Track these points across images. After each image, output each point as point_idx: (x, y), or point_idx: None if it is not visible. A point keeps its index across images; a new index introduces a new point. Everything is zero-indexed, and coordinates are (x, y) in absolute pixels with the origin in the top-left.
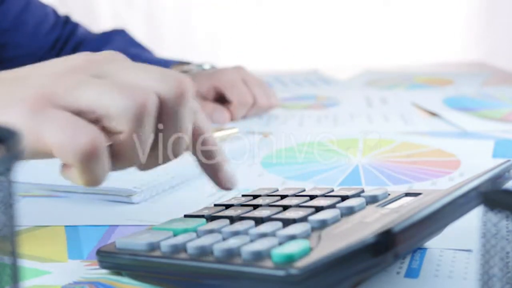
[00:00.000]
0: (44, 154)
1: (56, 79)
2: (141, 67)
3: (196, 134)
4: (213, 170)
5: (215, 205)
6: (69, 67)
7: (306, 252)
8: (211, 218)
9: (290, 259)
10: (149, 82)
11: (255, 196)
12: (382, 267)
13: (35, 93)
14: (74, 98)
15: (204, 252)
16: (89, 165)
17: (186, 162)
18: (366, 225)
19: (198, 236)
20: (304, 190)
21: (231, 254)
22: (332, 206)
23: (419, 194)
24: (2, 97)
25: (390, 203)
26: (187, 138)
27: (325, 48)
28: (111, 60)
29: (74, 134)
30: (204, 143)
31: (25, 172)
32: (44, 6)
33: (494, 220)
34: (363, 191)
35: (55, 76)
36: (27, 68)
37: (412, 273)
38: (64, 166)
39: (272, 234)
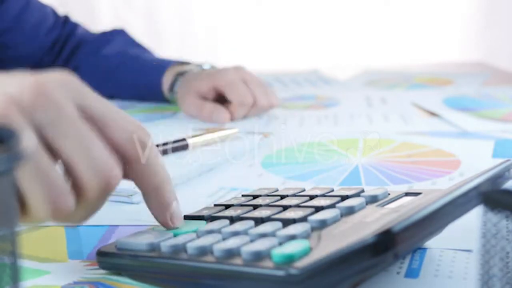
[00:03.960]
0: None
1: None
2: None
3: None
4: (159, 208)
5: (215, 205)
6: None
7: (306, 252)
8: (211, 218)
9: (290, 259)
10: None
11: (255, 196)
12: (382, 267)
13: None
14: (52, 133)
15: (204, 252)
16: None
17: (186, 163)
18: (366, 225)
19: (198, 237)
20: (304, 190)
21: (231, 254)
22: (332, 206)
23: (419, 194)
24: None
25: (390, 203)
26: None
27: (325, 48)
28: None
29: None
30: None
31: None
32: (44, 6)
33: (494, 220)
34: (363, 191)
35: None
36: None
37: (412, 273)
38: None
39: (272, 234)
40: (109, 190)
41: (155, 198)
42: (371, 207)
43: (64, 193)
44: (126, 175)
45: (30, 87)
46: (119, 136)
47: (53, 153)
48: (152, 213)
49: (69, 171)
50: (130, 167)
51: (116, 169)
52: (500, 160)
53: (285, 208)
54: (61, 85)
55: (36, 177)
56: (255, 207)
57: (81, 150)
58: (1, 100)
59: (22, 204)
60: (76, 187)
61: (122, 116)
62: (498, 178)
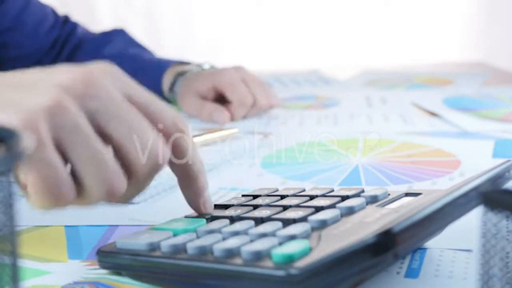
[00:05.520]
0: None
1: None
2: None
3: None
4: (193, 195)
5: (215, 205)
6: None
7: (306, 252)
8: (211, 218)
9: (290, 259)
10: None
11: (255, 196)
12: (382, 267)
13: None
14: (104, 119)
15: (204, 252)
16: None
17: None
18: (366, 225)
19: (198, 236)
20: (304, 190)
21: (231, 254)
22: (332, 206)
23: (419, 194)
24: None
25: (390, 203)
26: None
27: (325, 48)
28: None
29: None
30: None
31: None
32: (44, 6)
33: (494, 220)
34: (363, 191)
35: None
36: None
37: (412, 273)
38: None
39: (272, 234)
40: (158, 169)
41: (191, 185)
42: (371, 207)
43: (118, 174)
44: None
45: (80, 77)
46: (163, 122)
47: (105, 138)
48: (186, 199)
49: (120, 154)
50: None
51: (165, 149)
52: (500, 160)
53: (285, 208)
54: (108, 74)
55: (92, 161)
56: (255, 207)
57: (132, 132)
58: (55, 91)
59: (78, 187)
60: (127, 169)
61: (163, 105)
62: (498, 178)
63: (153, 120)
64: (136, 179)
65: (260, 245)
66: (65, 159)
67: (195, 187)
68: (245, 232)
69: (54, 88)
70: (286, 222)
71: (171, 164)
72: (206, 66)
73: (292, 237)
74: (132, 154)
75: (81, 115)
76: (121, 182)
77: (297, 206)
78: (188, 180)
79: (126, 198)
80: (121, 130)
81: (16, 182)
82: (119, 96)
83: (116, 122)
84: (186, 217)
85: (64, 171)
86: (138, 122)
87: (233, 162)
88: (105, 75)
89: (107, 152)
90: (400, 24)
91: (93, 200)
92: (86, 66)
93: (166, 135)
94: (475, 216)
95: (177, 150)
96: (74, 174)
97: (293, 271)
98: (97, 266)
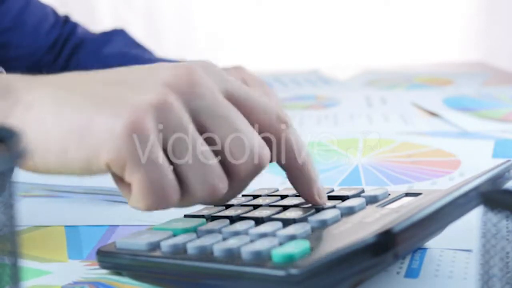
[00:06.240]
0: (95, 170)
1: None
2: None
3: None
4: (306, 187)
5: (215, 205)
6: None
7: (306, 252)
8: (211, 218)
9: (290, 259)
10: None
11: (255, 196)
12: (382, 267)
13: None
14: (207, 118)
15: (204, 252)
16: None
17: None
18: (366, 225)
19: (198, 236)
20: None
21: (231, 254)
22: (332, 206)
23: (419, 194)
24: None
25: (390, 203)
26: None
27: (325, 48)
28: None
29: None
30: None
31: (25, 172)
32: (44, 6)
33: (494, 220)
34: (363, 191)
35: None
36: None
37: (412, 273)
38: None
39: (272, 234)
40: (260, 169)
41: (302, 175)
42: (371, 208)
43: (221, 176)
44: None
45: (184, 75)
46: (264, 117)
47: (207, 138)
48: (299, 191)
49: (223, 155)
50: (276, 148)
51: (266, 148)
52: (500, 160)
53: (285, 208)
54: (209, 71)
55: (197, 162)
56: (255, 207)
57: (235, 132)
58: (161, 88)
59: (181, 188)
60: (229, 169)
61: (263, 99)
62: (498, 178)
63: (255, 115)
64: (237, 180)
65: (260, 245)
66: (169, 159)
67: (307, 176)
68: (245, 232)
69: (160, 86)
70: (286, 222)
71: (278, 161)
72: None
73: (292, 237)
74: (234, 155)
75: (185, 113)
76: (224, 184)
77: (297, 206)
78: (299, 170)
79: (226, 199)
80: (224, 130)
81: (115, 181)
82: (221, 95)
83: (219, 122)
84: (186, 217)
85: (170, 172)
86: (240, 122)
87: None
88: (207, 72)
89: (212, 155)
90: (400, 24)
91: (195, 202)
92: (187, 63)
93: (270, 131)
94: (475, 216)
95: (283, 146)
96: (178, 175)
97: (293, 271)
98: (97, 266)
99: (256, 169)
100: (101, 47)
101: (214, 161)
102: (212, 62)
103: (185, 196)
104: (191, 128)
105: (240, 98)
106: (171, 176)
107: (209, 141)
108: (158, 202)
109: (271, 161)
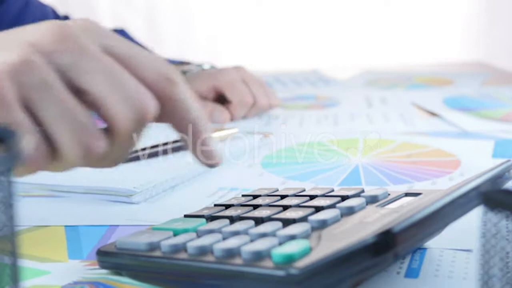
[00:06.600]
0: None
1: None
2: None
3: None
4: (193, 144)
5: (215, 205)
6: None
7: (306, 252)
8: (211, 218)
9: (290, 259)
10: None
11: (255, 196)
12: (382, 267)
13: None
14: (77, 73)
15: (204, 252)
16: None
17: (186, 163)
18: (366, 225)
19: (198, 236)
20: (304, 190)
21: (231, 254)
22: (332, 206)
23: (419, 194)
24: None
25: (390, 203)
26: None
27: (325, 48)
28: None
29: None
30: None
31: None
32: (44, 6)
33: (494, 220)
34: (363, 191)
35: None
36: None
37: (412, 273)
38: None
39: (272, 234)
40: (142, 122)
41: (192, 135)
42: (371, 207)
43: (95, 133)
44: (158, 117)
45: (51, 31)
46: (148, 74)
47: (82, 95)
48: (190, 152)
49: (100, 111)
50: (162, 106)
51: (151, 99)
52: (500, 160)
53: (285, 208)
54: (84, 28)
55: (64, 119)
56: (255, 207)
57: (110, 83)
58: (21, 47)
59: (53, 150)
60: (109, 126)
61: (148, 54)
62: (498, 178)
63: (138, 72)
64: (120, 137)
65: (260, 245)
66: (37, 120)
67: (196, 135)
68: (245, 232)
69: (24, 45)
70: (286, 222)
71: (162, 116)
72: (206, 66)
73: (292, 237)
74: (111, 109)
75: (50, 71)
76: (99, 141)
77: (297, 206)
78: (188, 130)
79: (111, 161)
80: (97, 84)
81: None
82: (95, 49)
83: (91, 76)
84: (186, 217)
85: (35, 132)
86: (117, 75)
87: (233, 162)
88: (81, 29)
89: (81, 111)
90: (400, 24)
91: (71, 164)
92: (62, 21)
93: (157, 89)
94: (475, 216)
95: (170, 104)
96: (50, 137)
97: (293, 271)
98: (97, 266)
99: (138, 122)
100: None
101: (84, 117)
102: (93, 20)
103: (59, 158)
104: (57, 85)
105: (122, 55)
106: (36, 136)
107: (86, 99)
108: (25, 166)
109: (160, 121)
